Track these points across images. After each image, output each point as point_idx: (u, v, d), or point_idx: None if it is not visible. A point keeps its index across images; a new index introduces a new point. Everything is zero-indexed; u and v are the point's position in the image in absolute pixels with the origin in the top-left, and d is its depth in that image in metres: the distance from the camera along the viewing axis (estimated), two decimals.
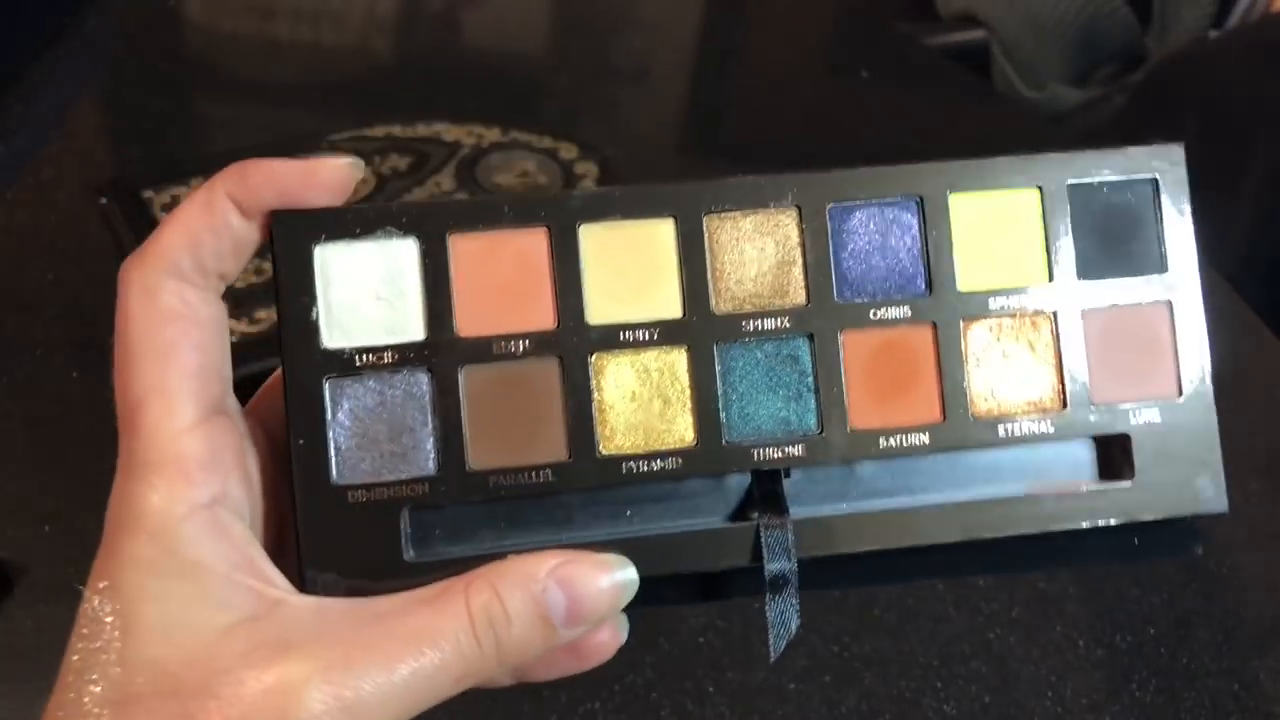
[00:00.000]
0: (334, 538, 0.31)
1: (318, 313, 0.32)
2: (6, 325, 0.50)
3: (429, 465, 0.32)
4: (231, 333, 0.49)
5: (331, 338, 0.32)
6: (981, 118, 0.77)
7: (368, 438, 0.32)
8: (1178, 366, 0.35)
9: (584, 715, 0.41)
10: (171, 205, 0.55)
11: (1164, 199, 0.36)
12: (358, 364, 0.32)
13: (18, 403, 0.47)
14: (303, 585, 0.30)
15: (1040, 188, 0.36)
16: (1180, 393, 0.35)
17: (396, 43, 0.78)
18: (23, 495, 0.43)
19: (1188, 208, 0.36)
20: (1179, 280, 0.36)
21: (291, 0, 0.77)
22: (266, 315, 0.50)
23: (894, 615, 0.45)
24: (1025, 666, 0.43)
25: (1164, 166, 0.36)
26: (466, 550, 0.32)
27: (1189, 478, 0.34)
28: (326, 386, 0.31)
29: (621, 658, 0.42)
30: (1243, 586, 0.35)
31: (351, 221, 0.32)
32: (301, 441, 0.31)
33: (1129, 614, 0.43)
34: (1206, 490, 0.34)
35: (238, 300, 0.50)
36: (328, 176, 0.31)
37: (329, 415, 0.31)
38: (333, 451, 0.31)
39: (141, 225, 0.54)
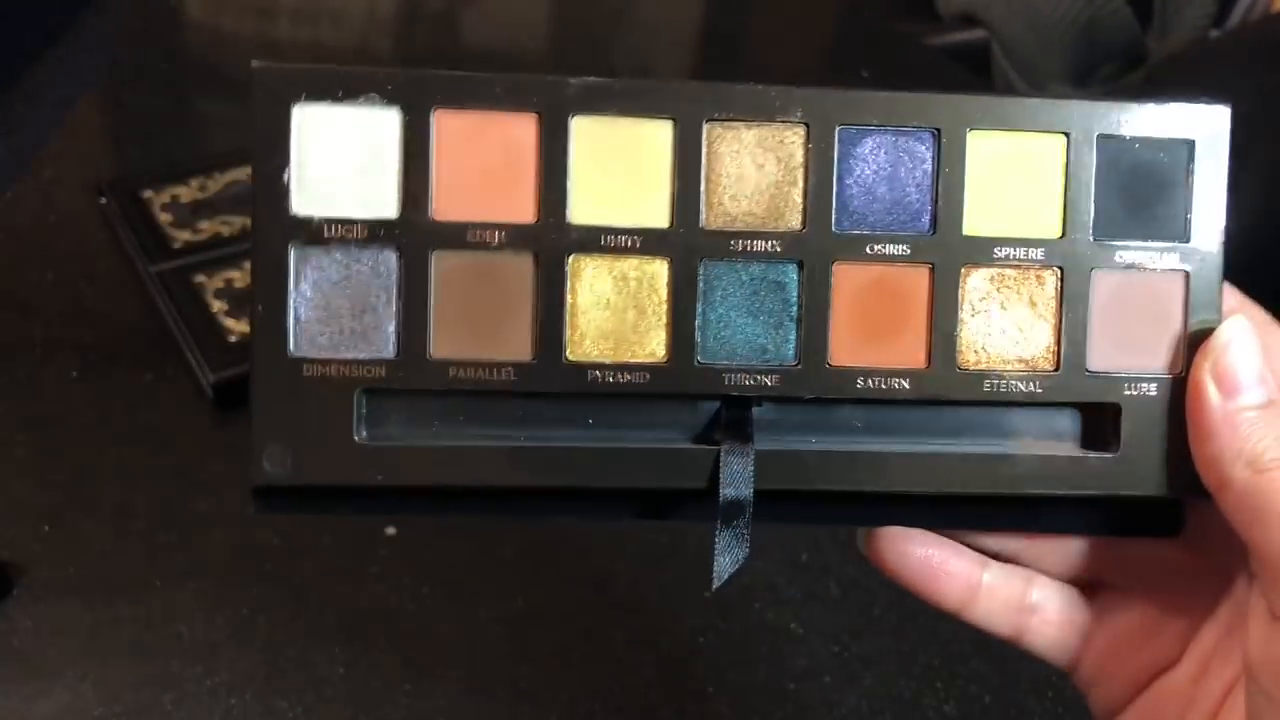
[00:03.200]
0: (286, 410, 0.30)
1: (289, 176, 0.30)
2: (6, 325, 0.50)
3: (388, 348, 0.31)
4: (229, 333, 0.49)
5: (301, 204, 0.30)
6: None
7: (329, 311, 0.31)
8: (1184, 342, 0.33)
9: (584, 715, 0.41)
10: (171, 205, 0.55)
11: (1198, 164, 0.34)
12: (326, 234, 0.30)
13: (18, 403, 0.46)
14: (252, 455, 0.30)
15: (1067, 134, 0.34)
16: (1184, 369, 0.33)
17: (396, 43, 0.78)
18: (23, 495, 0.43)
19: (1224, 176, 0.34)
20: (1201, 252, 0.34)
21: (291, 0, 0.77)
22: None
23: (894, 615, 0.45)
24: (1025, 666, 0.43)
25: (1204, 129, 0.34)
26: (418, 440, 0.31)
27: (1179, 458, 0.33)
28: (292, 253, 0.30)
29: (622, 658, 0.42)
30: None
31: (335, 83, 0.31)
32: (262, 308, 0.30)
33: None
34: (1168, 478, 0.33)
35: (237, 300, 0.51)
36: None
37: (292, 284, 0.30)
38: (292, 321, 0.30)
39: (141, 225, 0.54)
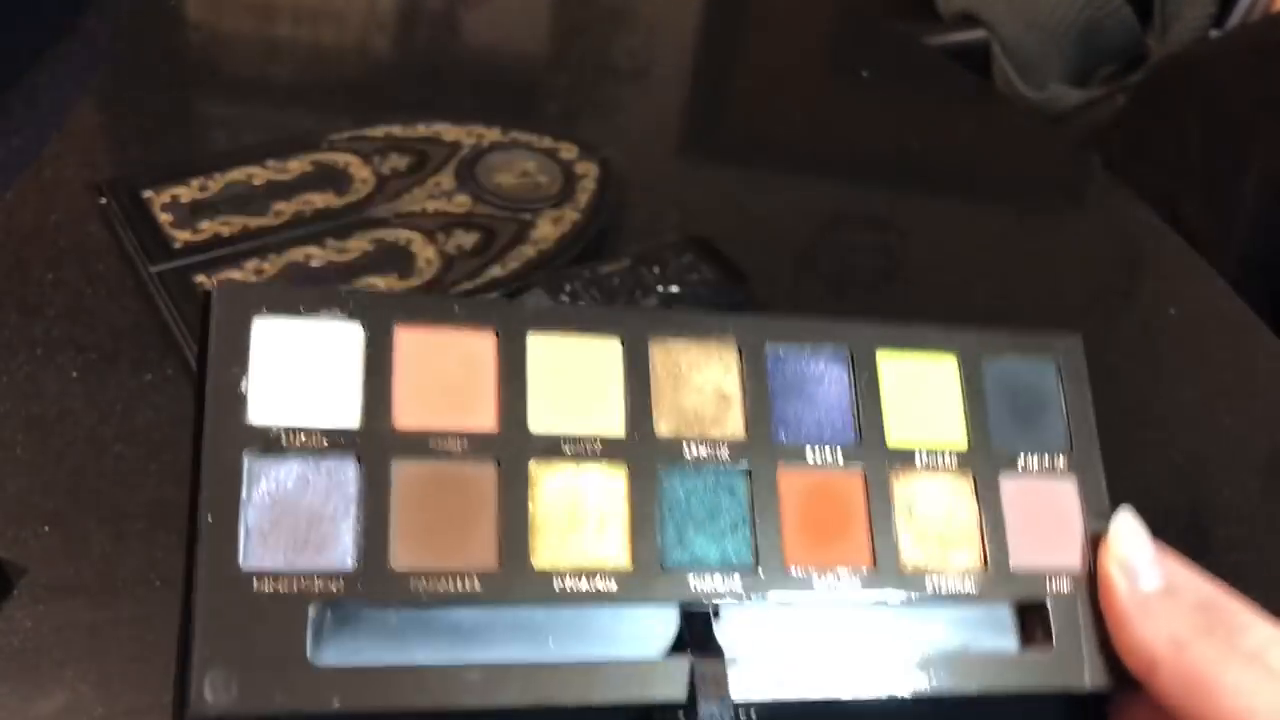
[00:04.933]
0: (233, 629, 0.28)
1: (247, 384, 0.30)
2: (6, 325, 0.50)
3: (346, 560, 0.29)
4: None
5: (259, 413, 0.30)
6: (981, 118, 0.77)
7: (283, 523, 0.29)
8: (1087, 538, 0.36)
9: (584, 715, 0.40)
10: (171, 205, 0.55)
11: (1065, 384, 0.37)
12: (284, 443, 0.30)
13: (18, 403, 0.46)
14: (181, 678, 0.28)
15: (958, 355, 0.37)
16: (1084, 567, 0.35)
17: (396, 43, 0.78)
18: (23, 495, 0.43)
19: (1087, 393, 0.38)
20: (1084, 458, 0.37)
21: (291, 0, 0.77)
22: None
23: None
24: None
25: (1063, 354, 0.38)
26: (377, 660, 0.29)
27: (1089, 653, 0.35)
28: (246, 462, 0.29)
29: None
30: (1243, 587, 0.35)
31: (295, 299, 0.31)
32: (211, 518, 0.29)
33: None
34: (1095, 670, 0.34)
35: None
36: None
37: (244, 494, 0.29)
38: (243, 533, 0.29)
39: (141, 225, 0.54)
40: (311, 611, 0.29)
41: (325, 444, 0.30)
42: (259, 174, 0.58)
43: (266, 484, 0.29)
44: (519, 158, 0.62)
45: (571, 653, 0.31)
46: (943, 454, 0.36)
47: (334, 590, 0.29)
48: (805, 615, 0.34)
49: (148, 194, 0.56)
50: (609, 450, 0.32)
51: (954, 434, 0.36)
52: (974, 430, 0.36)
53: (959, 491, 0.36)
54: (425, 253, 0.55)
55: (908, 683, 0.33)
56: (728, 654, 0.32)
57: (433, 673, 0.29)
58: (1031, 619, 0.35)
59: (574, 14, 0.84)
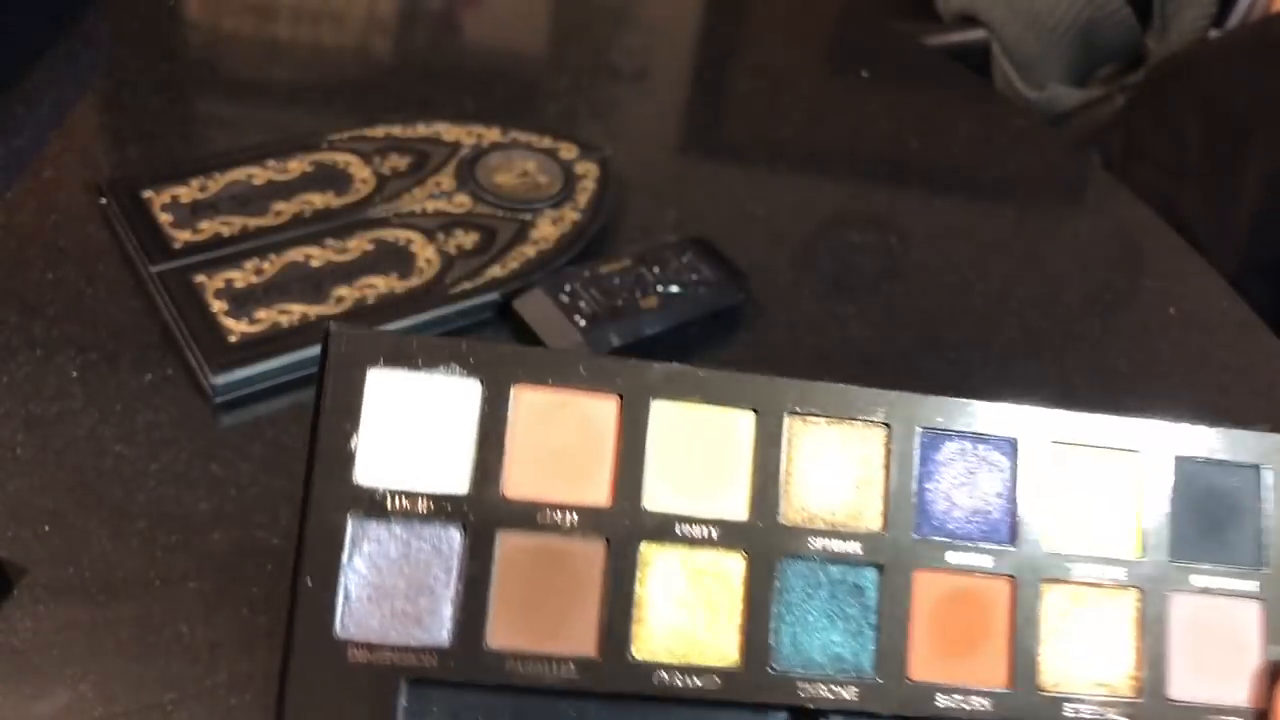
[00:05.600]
0: (323, 698, 0.28)
1: (357, 442, 0.28)
2: (6, 325, 0.50)
3: (443, 635, 0.28)
4: (229, 333, 0.49)
5: (366, 473, 0.28)
6: (981, 118, 0.77)
7: (383, 591, 0.28)
8: (1265, 672, 0.32)
9: None
10: (172, 205, 0.55)
11: (1266, 489, 0.33)
12: (389, 507, 0.28)
13: (18, 403, 0.46)
14: None
15: (1141, 453, 0.32)
16: (1256, 704, 0.31)
17: (396, 43, 0.78)
18: (23, 495, 0.43)
19: None
20: (1276, 579, 0.32)
21: (291, 0, 0.77)
22: (265, 315, 0.50)
23: None
24: None
25: (1272, 456, 0.33)
26: None
27: None
28: (349, 524, 0.28)
29: None
30: None
31: (415, 351, 0.29)
32: (310, 581, 0.28)
33: None
34: None
35: (238, 300, 0.50)
36: None
37: (345, 558, 0.28)
38: (341, 599, 0.28)
39: (141, 225, 0.54)
40: (404, 687, 0.28)
41: (431, 509, 0.29)
42: (259, 174, 0.58)
43: (369, 548, 0.28)
44: (519, 158, 0.62)
45: None
46: (1109, 564, 0.32)
47: (427, 665, 0.28)
48: None
49: (148, 194, 0.56)
50: (727, 535, 0.30)
51: (1125, 540, 0.32)
52: (1150, 538, 0.32)
53: (1120, 607, 0.32)
54: (425, 253, 0.55)
55: None
56: None
57: None
58: None
59: (574, 14, 0.84)
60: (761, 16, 0.88)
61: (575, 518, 0.29)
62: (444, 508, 0.29)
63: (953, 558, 0.31)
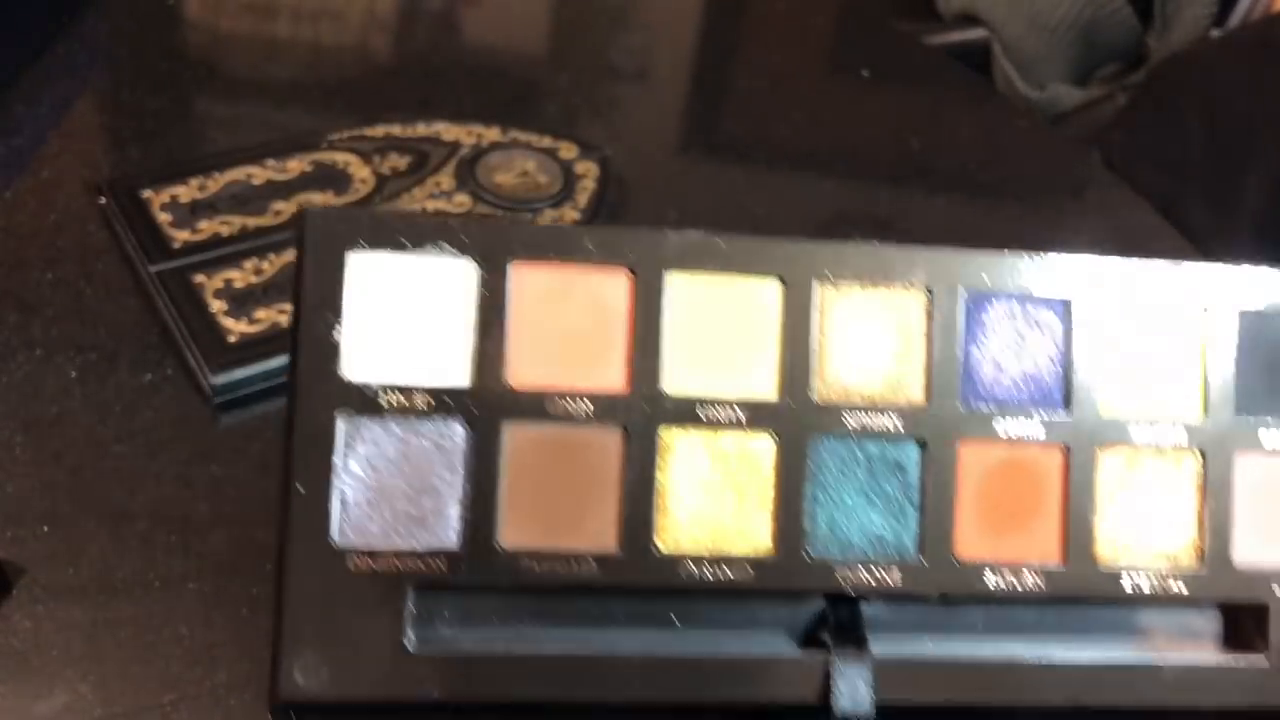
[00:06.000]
0: (325, 611, 0.26)
1: (341, 333, 0.26)
2: (6, 325, 0.50)
3: (451, 537, 0.27)
4: (229, 333, 0.49)
5: (354, 367, 0.26)
6: (982, 117, 0.77)
7: (382, 494, 0.26)
8: None
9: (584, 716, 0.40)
10: (171, 205, 0.55)
11: None
12: (383, 403, 0.26)
13: (18, 403, 0.46)
14: (274, 659, 0.25)
15: (1207, 309, 0.30)
16: None
17: (396, 43, 0.78)
18: (22, 495, 0.43)
19: None
20: None
21: (291, 0, 0.77)
22: (265, 315, 0.50)
23: None
24: None
25: None
26: (477, 645, 0.27)
27: None
28: (340, 424, 0.26)
29: None
30: None
31: (400, 230, 0.27)
32: (301, 487, 0.26)
33: None
34: None
35: (237, 300, 0.50)
36: None
37: (339, 460, 0.26)
38: (338, 505, 0.26)
39: (141, 225, 0.54)
40: (411, 594, 0.26)
41: (430, 405, 0.27)
42: (258, 174, 0.58)
43: (363, 449, 0.26)
44: (519, 157, 0.62)
45: (698, 636, 0.28)
46: (1170, 426, 0.29)
47: (436, 570, 0.26)
48: (969, 611, 0.29)
49: (147, 194, 0.56)
50: (755, 415, 0.28)
51: (1187, 401, 0.30)
52: (1214, 396, 0.30)
53: (1183, 471, 0.30)
54: None
55: (1089, 692, 0.29)
56: (875, 648, 0.28)
57: (544, 663, 0.26)
58: (1243, 621, 0.30)
59: (574, 14, 0.84)
60: (761, 16, 0.88)
61: (589, 405, 0.27)
62: (444, 401, 0.27)
63: (1001, 427, 0.29)
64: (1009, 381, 0.29)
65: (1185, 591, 0.29)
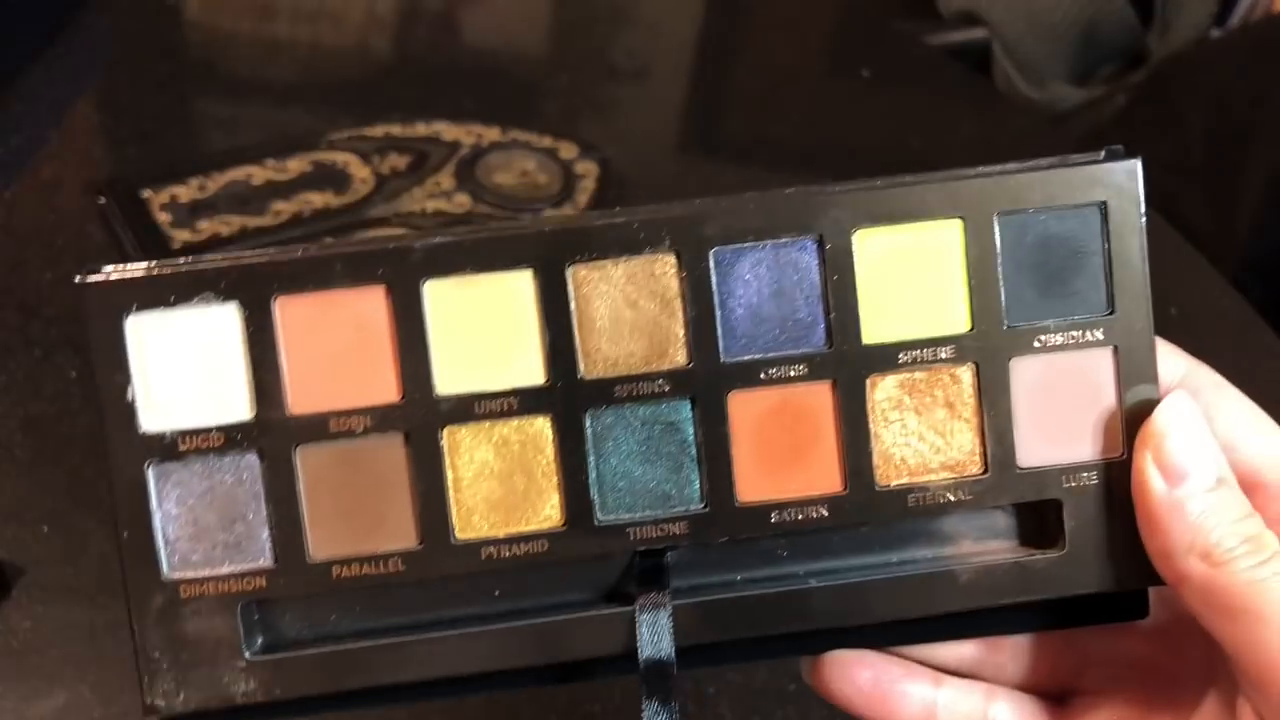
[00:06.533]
0: (169, 635, 0.29)
1: (133, 392, 0.29)
2: (6, 325, 0.50)
3: (265, 556, 0.29)
4: None
5: (151, 420, 0.29)
6: (982, 117, 0.77)
7: (199, 526, 0.29)
8: (1122, 420, 0.30)
9: (584, 717, 0.40)
10: (171, 205, 0.55)
11: (1112, 227, 0.30)
12: (180, 447, 0.29)
13: (18, 403, 0.46)
14: (140, 689, 0.28)
15: (963, 219, 0.30)
16: (1124, 451, 0.30)
17: (396, 43, 0.78)
18: (22, 495, 0.43)
19: (1142, 237, 0.30)
20: (1127, 321, 0.30)
21: (291, 0, 0.77)
22: None
23: None
24: None
25: (1114, 188, 0.30)
26: (314, 647, 0.29)
27: (1131, 548, 0.29)
28: (150, 473, 0.29)
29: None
30: None
31: (165, 288, 0.28)
32: (127, 534, 0.28)
33: None
34: (1111, 574, 0.30)
35: None
36: None
37: (155, 504, 0.29)
38: (162, 542, 0.29)
39: (141, 225, 0.54)
40: (241, 610, 0.29)
41: (222, 442, 0.29)
42: (258, 174, 0.58)
43: (174, 491, 0.29)
44: (519, 157, 0.62)
45: (512, 610, 0.30)
46: (936, 345, 0.30)
47: (258, 587, 0.29)
48: (772, 542, 0.30)
49: (146, 194, 0.56)
50: (527, 402, 0.29)
51: (953, 316, 0.30)
52: (979, 308, 0.30)
53: (957, 385, 0.30)
54: None
55: (884, 607, 0.30)
56: (679, 594, 0.29)
57: (370, 652, 0.29)
58: (1042, 520, 0.31)
59: (574, 14, 0.84)
60: (761, 16, 0.88)
61: (368, 419, 0.29)
62: (234, 437, 0.29)
63: (767, 373, 0.30)
64: (769, 327, 0.30)
65: (970, 499, 0.30)
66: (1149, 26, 1.21)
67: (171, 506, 0.29)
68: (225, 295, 0.29)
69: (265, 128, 0.65)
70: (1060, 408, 0.30)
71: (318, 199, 0.57)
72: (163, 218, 0.55)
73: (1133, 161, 0.31)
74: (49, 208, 0.56)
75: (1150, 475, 0.29)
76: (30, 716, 0.37)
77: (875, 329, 0.30)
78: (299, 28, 0.75)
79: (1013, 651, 0.31)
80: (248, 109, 0.68)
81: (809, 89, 0.79)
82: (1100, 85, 1.20)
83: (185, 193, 0.56)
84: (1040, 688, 0.31)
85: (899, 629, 0.31)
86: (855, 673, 0.31)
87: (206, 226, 0.55)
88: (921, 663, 0.31)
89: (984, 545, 0.31)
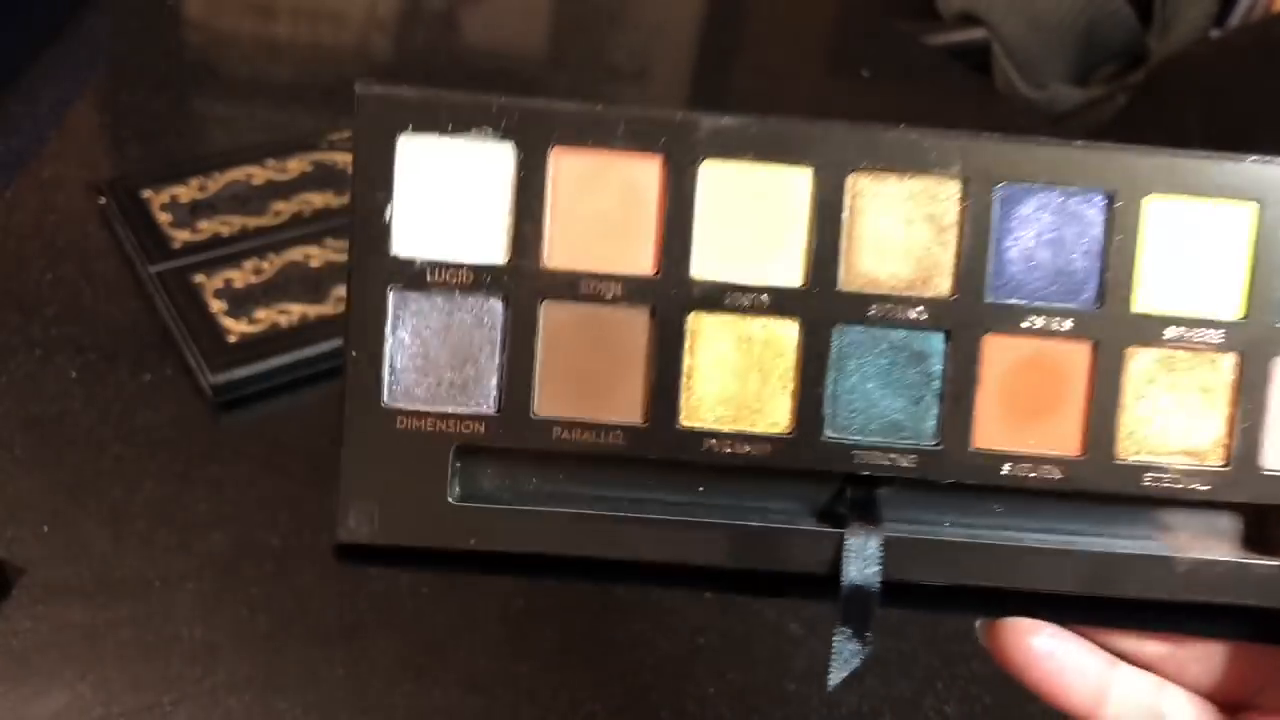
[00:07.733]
0: (376, 464, 0.28)
1: (391, 213, 0.28)
2: (6, 325, 0.50)
3: (489, 403, 0.29)
4: (229, 333, 0.49)
5: (403, 245, 0.28)
6: (982, 117, 0.76)
7: (428, 361, 0.29)
8: None
9: (585, 716, 0.40)
10: (171, 205, 0.55)
11: None
12: (428, 278, 0.28)
13: (18, 403, 0.46)
14: (336, 512, 0.28)
15: (1260, 203, 0.30)
16: None
17: (396, 43, 0.78)
18: (22, 495, 0.43)
19: None
20: None
21: (291, 0, 0.77)
22: (265, 315, 0.50)
23: (894, 615, 0.45)
24: None
25: None
26: (516, 503, 0.29)
27: None
28: (391, 297, 0.28)
29: (621, 658, 0.42)
30: None
31: (444, 114, 0.28)
32: (356, 354, 0.28)
33: None
34: None
35: (237, 300, 0.50)
36: None
37: (389, 329, 0.28)
38: (388, 370, 0.28)
39: (141, 225, 0.54)
40: (453, 453, 0.28)
41: (470, 280, 0.28)
42: (258, 174, 0.58)
43: (411, 320, 0.28)
44: None
45: (719, 507, 0.29)
46: (1205, 326, 0.29)
47: (475, 433, 0.28)
48: (989, 497, 0.30)
49: (147, 194, 0.56)
50: (780, 303, 0.29)
51: (1228, 300, 0.29)
52: (1257, 297, 0.29)
53: (1216, 372, 0.29)
54: None
55: (1099, 581, 0.29)
56: (889, 528, 0.29)
57: (571, 520, 0.29)
58: (1268, 524, 0.30)
59: (574, 14, 0.84)
60: (761, 16, 0.88)
61: (619, 287, 0.28)
62: (483, 279, 0.28)
63: (1028, 321, 0.29)
64: (1041, 275, 0.29)
65: (1207, 489, 0.29)
66: (1149, 27, 1.21)
67: (405, 335, 0.29)
68: (504, 134, 0.29)
69: (265, 128, 0.65)
70: None
71: (318, 199, 0.57)
72: (163, 218, 0.55)
73: None
74: (49, 207, 0.56)
75: None
76: (30, 716, 0.37)
77: (1147, 298, 0.29)
78: (299, 28, 0.75)
79: (1201, 653, 0.30)
80: (248, 109, 0.68)
81: (808, 89, 0.79)
82: (1100, 85, 1.20)
83: (185, 193, 0.56)
84: (1216, 694, 0.30)
85: (1099, 609, 0.30)
86: (1035, 641, 0.30)
87: (206, 226, 0.55)
88: (1103, 646, 0.31)
89: (1203, 541, 0.30)
